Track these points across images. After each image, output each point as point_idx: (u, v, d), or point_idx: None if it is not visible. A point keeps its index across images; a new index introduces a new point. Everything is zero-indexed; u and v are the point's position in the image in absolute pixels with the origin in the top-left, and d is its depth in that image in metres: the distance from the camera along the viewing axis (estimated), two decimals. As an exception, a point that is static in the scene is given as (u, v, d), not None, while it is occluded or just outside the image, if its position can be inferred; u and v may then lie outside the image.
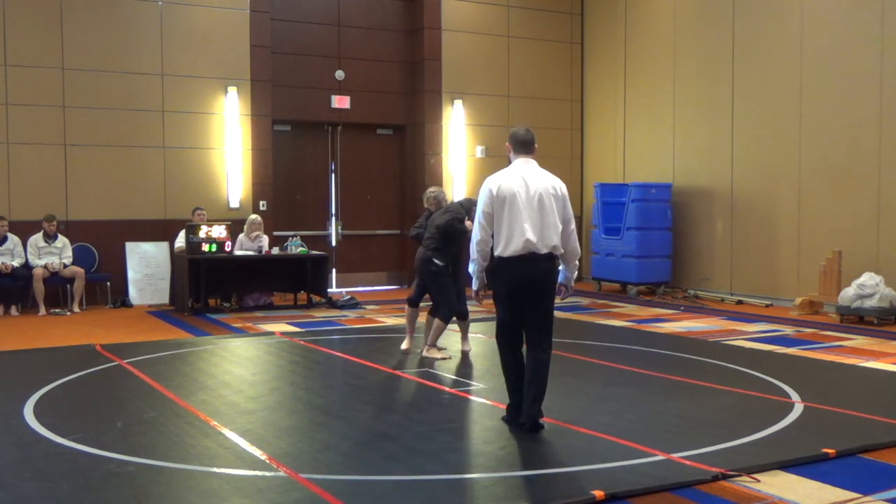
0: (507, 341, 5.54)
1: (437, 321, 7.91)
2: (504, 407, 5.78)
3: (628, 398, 6.40)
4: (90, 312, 11.55)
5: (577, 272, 5.63)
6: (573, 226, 5.52)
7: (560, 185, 5.51)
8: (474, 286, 5.54)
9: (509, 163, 5.59)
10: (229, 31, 13.02)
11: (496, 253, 5.40)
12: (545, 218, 5.35)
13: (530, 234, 5.30)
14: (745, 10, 12.68)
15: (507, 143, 5.63)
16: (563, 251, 5.46)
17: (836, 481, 4.50)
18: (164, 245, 12.53)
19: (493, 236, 5.42)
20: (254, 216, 12.12)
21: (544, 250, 5.34)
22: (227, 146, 13.04)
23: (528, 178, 5.41)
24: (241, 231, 12.04)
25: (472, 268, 5.50)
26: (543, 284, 5.39)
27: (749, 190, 12.69)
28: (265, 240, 12.00)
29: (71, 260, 11.66)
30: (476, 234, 5.40)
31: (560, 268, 5.54)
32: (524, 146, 5.53)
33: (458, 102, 14.64)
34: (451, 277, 7.87)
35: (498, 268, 5.40)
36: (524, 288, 5.36)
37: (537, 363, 5.40)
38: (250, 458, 4.93)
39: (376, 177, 14.76)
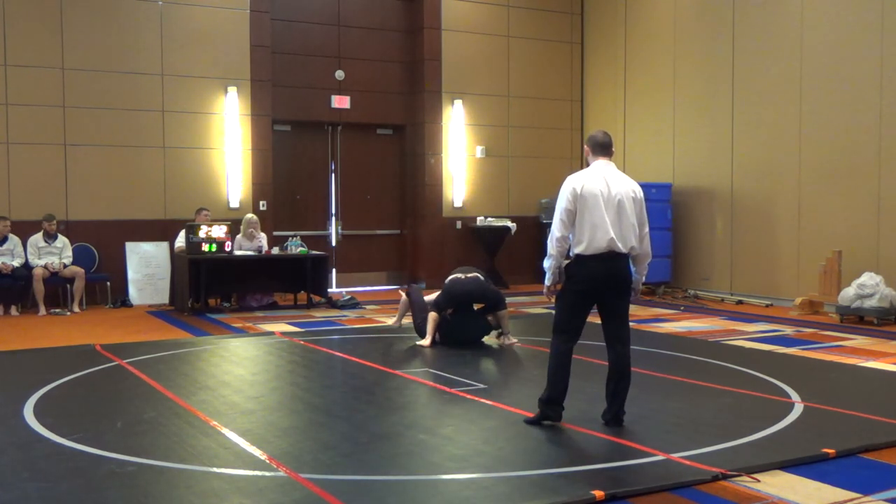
0: (566, 336, 5.58)
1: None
2: (503, 407, 5.77)
3: (628, 398, 6.39)
4: (90, 312, 11.55)
5: (645, 274, 5.77)
6: (647, 228, 5.67)
7: (638, 189, 5.65)
8: (548, 281, 5.59)
9: (587, 165, 5.71)
10: (229, 31, 13.02)
11: (574, 251, 5.47)
12: (624, 219, 5.48)
13: (613, 234, 5.42)
14: (745, 11, 12.68)
15: (585, 147, 5.74)
16: (637, 252, 5.61)
17: (836, 481, 4.50)
18: (164, 245, 12.53)
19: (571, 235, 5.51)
20: (249, 215, 12.10)
21: (624, 250, 5.48)
22: (227, 146, 13.04)
23: (609, 179, 5.53)
24: (239, 232, 12.04)
25: (547, 263, 5.55)
26: (622, 282, 5.53)
27: (749, 190, 12.69)
28: (264, 238, 12.00)
29: (71, 260, 11.66)
30: (557, 230, 5.46)
31: (631, 268, 5.66)
32: (603, 148, 5.65)
33: (458, 102, 14.64)
34: None
35: (575, 265, 5.48)
36: (601, 285, 5.47)
37: (625, 366, 5.57)
38: (250, 458, 4.93)
39: (376, 177, 14.76)
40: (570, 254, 5.51)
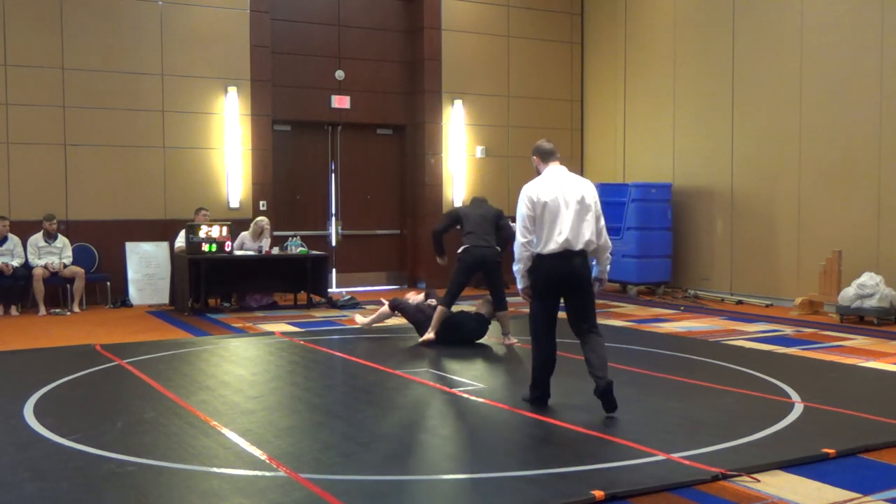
0: (542, 332, 6.04)
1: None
2: (503, 407, 5.78)
3: (628, 398, 6.39)
4: (90, 312, 11.55)
5: (609, 266, 6.17)
6: (603, 222, 6.04)
7: (591, 187, 6.06)
8: (521, 284, 6.00)
9: (538, 173, 6.14)
10: (229, 31, 13.02)
11: (536, 251, 5.90)
12: (580, 217, 5.89)
13: (567, 233, 5.83)
14: (745, 11, 12.68)
15: (534, 157, 6.20)
16: (596, 246, 5.96)
17: (836, 481, 4.50)
18: (164, 245, 12.54)
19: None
20: (262, 219, 12.05)
21: (578, 246, 5.86)
22: (227, 146, 13.04)
23: (563, 182, 5.98)
24: (246, 229, 12.06)
25: (517, 267, 5.97)
26: (579, 277, 5.89)
27: (749, 190, 12.69)
28: (267, 240, 12.01)
29: (71, 260, 11.66)
30: (521, 236, 5.91)
31: (593, 263, 6.05)
32: (551, 155, 6.15)
33: (458, 102, 14.64)
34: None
35: (537, 264, 5.91)
36: (560, 281, 5.89)
37: (597, 343, 5.94)
38: (250, 458, 4.93)
39: (376, 177, 14.76)
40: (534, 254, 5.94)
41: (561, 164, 6.15)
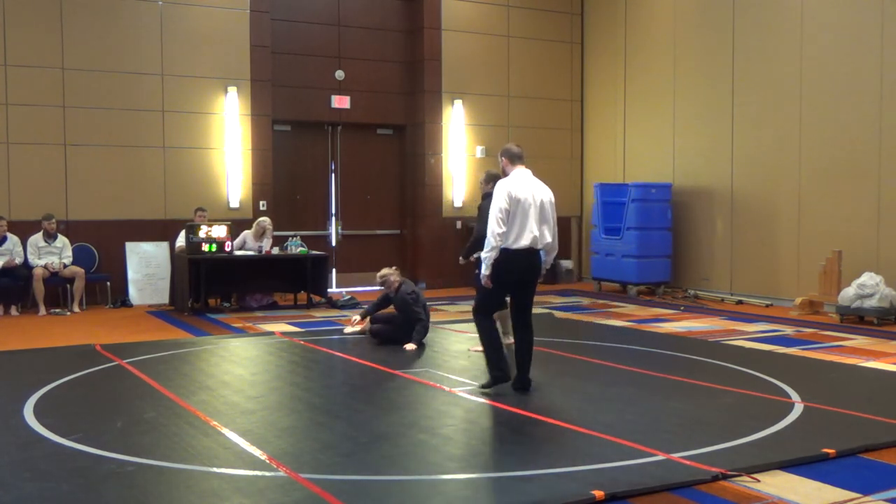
0: (489, 316, 6.61)
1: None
2: (503, 407, 5.77)
3: (628, 398, 6.40)
4: (90, 312, 11.55)
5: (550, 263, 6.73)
6: (556, 227, 6.61)
7: (551, 193, 6.58)
8: (486, 270, 6.36)
9: (505, 174, 6.57)
10: (229, 31, 13.02)
11: (505, 245, 6.30)
12: (544, 219, 6.43)
13: (536, 232, 6.34)
14: (745, 11, 12.68)
15: (503, 159, 6.62)
16: (551, 246, 6.53)
17: (836, 481, 4.50)
18: (164, 245, 12.53)
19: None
20: (265, 219, 12.03)
21: (540, 245, 6.43)
22: (227, 146, 13.04)
23: (531, 185, 6.46)
24: (246, 228, 12.07)
25: (488, 254, 6.33)
26: (536, 272, 6.50)
27: (749, 190, 12.69)
28: (268, 241, 12.02)
29: (71, 259, 11.66)
30: (497, 227, 6.27)
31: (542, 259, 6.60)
32: (519, 158, 6.60)
33: (458, 102, 14.64)
34: None
35: (504, 258, 6.31)
36: (522, 274, 6.40)
37: (528, 342, 6.57)
38: (250, 458, 4.93)
39: (376, 177, 14.76)
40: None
41: (526, 168, 6.58)
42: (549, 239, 6.44)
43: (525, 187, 6.38)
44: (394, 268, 9.13)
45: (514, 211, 6.29)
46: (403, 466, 4.85)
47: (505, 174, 6.57)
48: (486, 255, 6.33)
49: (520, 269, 6.36)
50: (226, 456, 4.97)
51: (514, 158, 6.58)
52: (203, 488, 4.44)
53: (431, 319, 9.06)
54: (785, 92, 12.07)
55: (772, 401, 6.26)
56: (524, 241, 6.30)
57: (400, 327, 8.76)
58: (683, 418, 5.80)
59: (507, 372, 6.51)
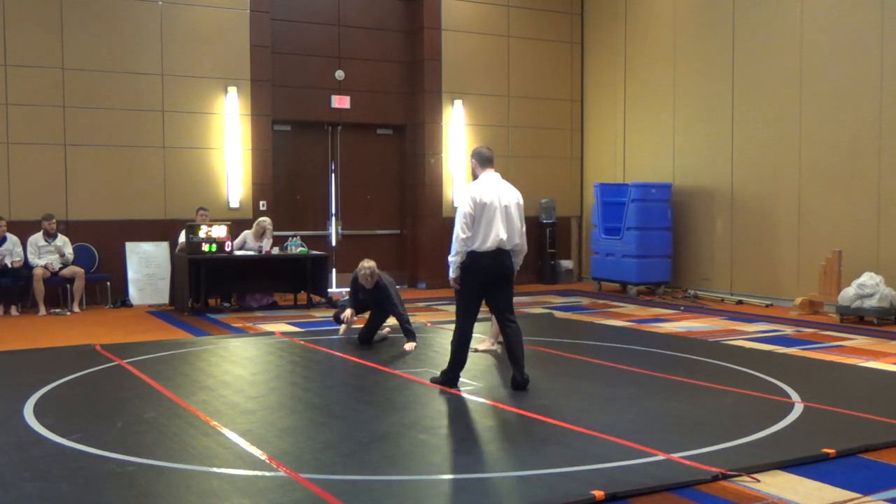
0: (468, 318, 6.66)
1: None
2: (503, 407, 5.78)
3: (628, 398, 6.40)
4: (90, 312, 11.55)
5: (520, 265, 6.89)
6: (524, 228, 6.75)
7: (520, 196, 6.75)
8: (453, 274, 6.59)
9: (475, 177, 6.77)
10: (229, 31, 13.02)
11: (472, 248, 6.49)
12: (511, 222, 6.59)
13: (503, 234, 6.52)
14: (745, 11, 12.68)
15: (473, 160, 6.83)
16: (520, 248, 6.69)
17: (836, 481, 4.50)
18: (164, 245, 12.54)
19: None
20: (265, 219, 12.03)
21: (509, 246, 6.59)
22: (227, 146, 13.04)
23: (498, 188, 6.64)
24: (249, 228, 12.08)
25: (453, 258, 6.55)
26: (508, 272, 6.66)
27: (749, 190, 12.69)
28: (268, 241, 12.02)
29: (72, 255, 11.63)
30: (461, 232, 6.48)
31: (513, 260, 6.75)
32: (489, 161, 6.78)
33: (458, 102, 14.64)
34: None
35: (473, 260, 6.50)
36: (492, 276, 6.56)
37: (516, 334, 6.66)
38: (250, 458, 4.93)
39: (376, 177, 14.76)
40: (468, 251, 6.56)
41: (495, 171, 6.75)
42: (517, 240, 6.63)
43: (491, 191, 6.55)
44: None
45: (480, 215, 6.47)
46: (403, 466, 4.85)
47: (475, 177, 6.77)
48: (452, 259, 6.56)
49: (489, 269, 6.51)
50: (226, 456, 4.97)
51: (484, 162, 6.76)
52: (203, 488, 4.44)
53: (431, 320, 9.07)
54: (785, 92, 12.07)
55: (772, 401, 6.26)
56: (490, 244, 6.47)
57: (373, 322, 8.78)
58: (683, 418, 5.80)
59: (455, 381, 6.71)
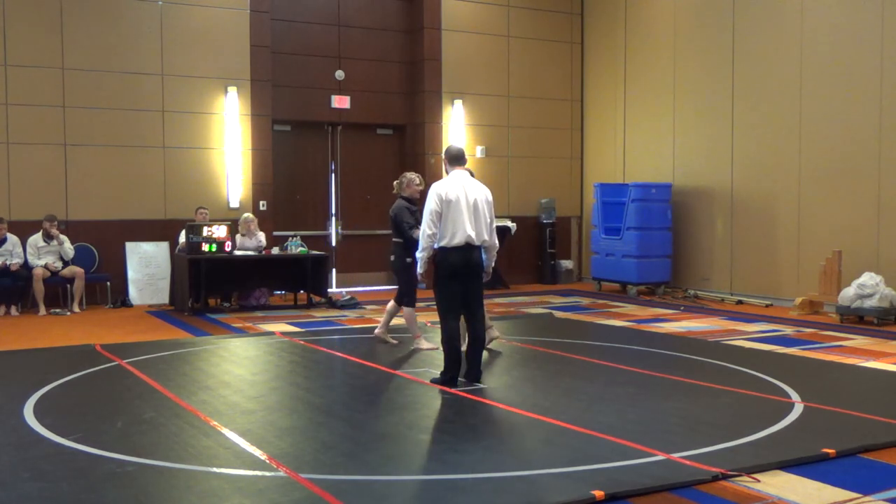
0: (452, 316, 6.78)
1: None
2: (503, 407, 5.78)
3: (628, 398, 6.40)
4: (90, 312, 11.55)
5: (494, 261, 7.04)
6: (494, 225, 6.92)
7: (489, 193, 6.92)
8: (421, 269, 6.95)
9: (446, 173, 6.96)
10: (229, 31, 13.02)
11: (441, 244, 6.71)
12: (479, 218, 6.75)
13: (470, 230, 6.68)
14: (745, 11, 12.68)
15: (443, 158, 7.05)
16: (489, 244, 6.84)
17: (836, 481, 4.50)
18: (165, 245, 12.54)
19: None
20: (246, 214, 12.17)
21: (477, 242, 6.74)
22: (227, 146, 13.04)
23: (466, 186, 6.81)
24: (238, 232, 12.07)
25: (420, 254, 6.85)
26: (477, 268, 6.80)
27: (749, 190, 12.69)
28: (262, 235, 12.03)
29: (73, 252, 11.62)
30: (427, 228, 6.73)
31: (483, 256, 6.88)
32: (458, 160, 6.97)
33: (458, 102, 14.64)
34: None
35: (442, 256, 6.72)
36: (461, 270, 6.71)
37: (477, 337, 6.83)
38: (250, 458, 4.93)
39: (376, 177, 14.75)
40: (435, 246, 6.76)
41: (465, 169, 6.93)
42: (485, 236, 6.77)
43: (457, 188, 6.73)
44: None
45: (446, 212, 6.67)
46: (403, 466, 4.86)
47: (446, 174, 6.97)
48: (419, 255, 6.85)
49: (458, 264, 6.67)
50: (226, 456, 4.97)
51: (453, 160, 6.95)
52: (203, 488, 4.44)
53: (431, 320, 9.04)
54: (785, 92, 12.07)
55: (772, 401, 6.26)
56: (458, 240, 6.65)
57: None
58: (683, 418, 5.79)
59: (456, 377, 6.76)
